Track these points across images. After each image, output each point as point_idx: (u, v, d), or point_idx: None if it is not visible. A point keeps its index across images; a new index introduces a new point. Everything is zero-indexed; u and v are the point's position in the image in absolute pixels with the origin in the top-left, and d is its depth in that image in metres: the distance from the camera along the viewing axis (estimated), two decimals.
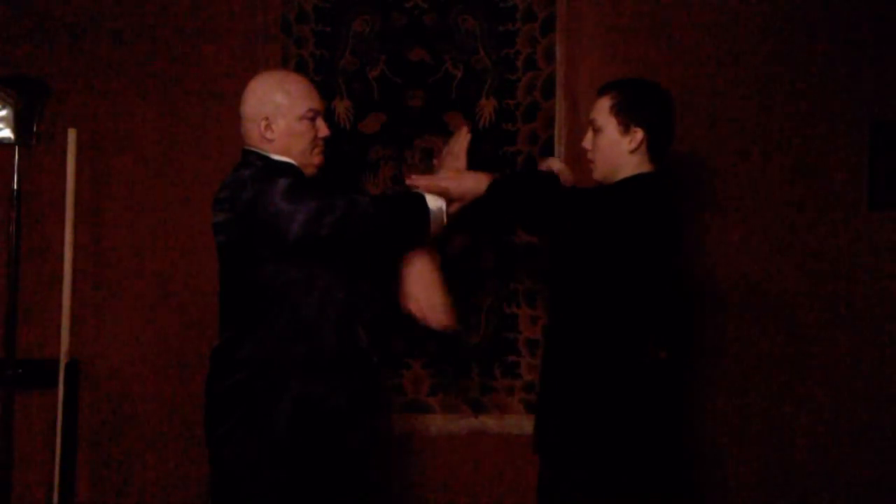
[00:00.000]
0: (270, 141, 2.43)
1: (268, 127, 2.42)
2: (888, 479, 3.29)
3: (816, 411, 3.30)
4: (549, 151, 3.28)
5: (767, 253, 3.30)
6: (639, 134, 2.48)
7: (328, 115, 3.22)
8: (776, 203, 3.30)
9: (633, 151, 2.49)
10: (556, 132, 3.28)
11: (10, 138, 3.09)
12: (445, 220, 2.46)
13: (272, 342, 2.36)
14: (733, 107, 3.29)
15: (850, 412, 3.29)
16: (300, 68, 3.24)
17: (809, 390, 3.30)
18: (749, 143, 3.30)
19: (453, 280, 2.62)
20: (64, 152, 3.15)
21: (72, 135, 3.15)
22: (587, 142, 2.58)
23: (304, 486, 2.36)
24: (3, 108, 3.07)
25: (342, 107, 3.29)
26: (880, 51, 3.29)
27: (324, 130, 2.49)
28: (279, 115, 2.43)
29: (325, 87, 3.25)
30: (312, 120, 2.46)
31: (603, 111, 2.52)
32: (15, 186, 3.14)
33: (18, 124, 3.08)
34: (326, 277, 2.38)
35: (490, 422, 3.29)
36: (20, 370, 3.16)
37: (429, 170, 2.86)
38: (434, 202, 2.44)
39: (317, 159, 2.50)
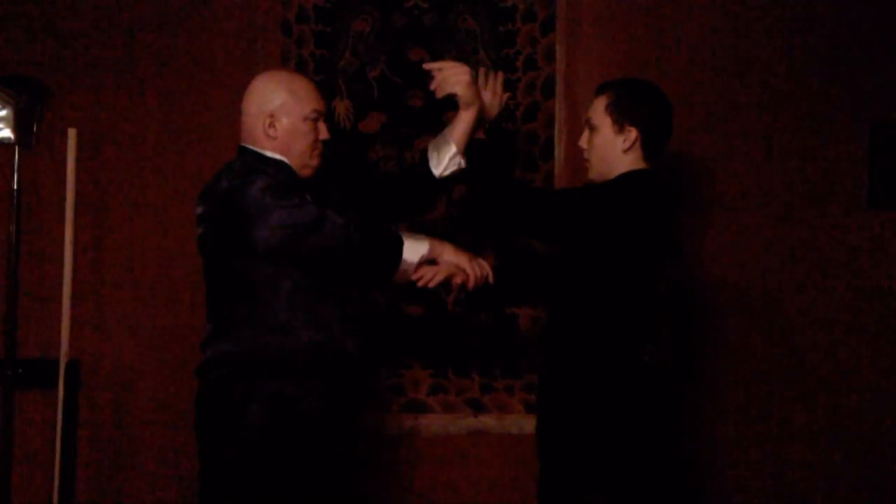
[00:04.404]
0: (272, 139, 2.43)
1: (271, 124, 2.42)
2: (889, 481, 3.29)
3: (816, 412, 3.30)
4: (549, 151, 3.28)
5: (767, 252, 3.30)
6: (633, 133, 2.49)
7: (328, 115, 3.23)
8: (776, 202, 3.30)
9: (626, 150, 2.50)
10: (556, 132, 3.28)
11: (10, 138, 3.09)
12: (412, 275, 2.39)
13: (248, 340, 2.36)
14: (733, 106, 3.29)
15: (851, 412, 3.29)
16: (300, 68, 3.24)
17: (809, 390, 3.30)
18: (749, 143, 3.30)
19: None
20: (64, 152, 3.15)
21: (72, 135, 3.15)
22: (583, 141, 2.60)
23: (280, 489, 2.34)
24: (3, 108, 3.07)
25: (342, 107, 3.29)
26: (880, 51, 3.29)
27: (324, 133, 2.49)
28: (283, 113, 2.42)
29: (325, 87, 3.25)
30: (315, 121, 2.46)
31: (598, 110, 2.53)
32: (15, 186, 3.14)
33: (18, 124, 3.08)
34: (294, 276, 2.36)
35: (490, 422, 3.29)
36: (20, 370, 3.16)
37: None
38: (412, 253, 2.37)
39: (315, 161, 2.49)
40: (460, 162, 2.60)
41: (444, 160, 2.60)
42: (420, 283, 2.40)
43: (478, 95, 2.59)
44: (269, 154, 2.43)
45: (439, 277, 2.40)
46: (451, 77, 2.54)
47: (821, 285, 3.30)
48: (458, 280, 2.43)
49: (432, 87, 2.58)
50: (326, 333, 2.39)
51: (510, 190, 2.60)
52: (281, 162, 2.43)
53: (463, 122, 2.59)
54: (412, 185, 2.67)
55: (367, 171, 3.26)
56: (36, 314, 3.25)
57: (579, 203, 2.49)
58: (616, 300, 2.43)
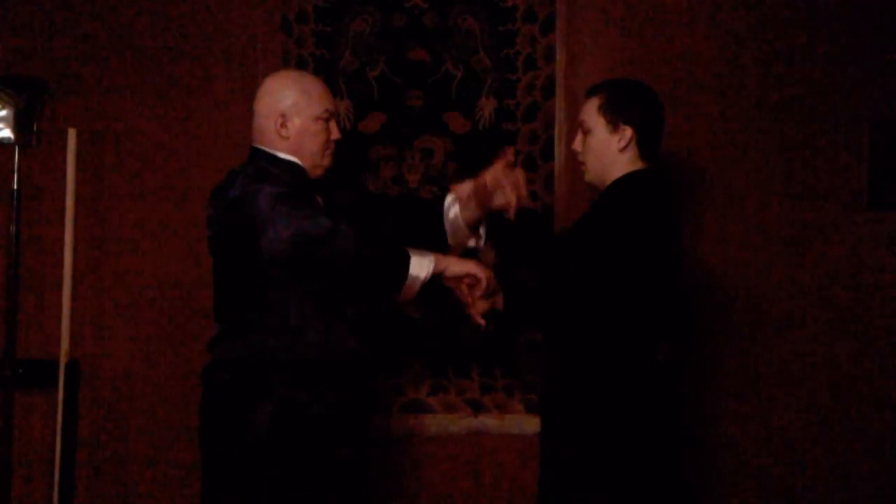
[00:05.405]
0: (284, 139, 2.42)
1: (283, 124, 2.42)
2: (889, 481, 3.29)
3: (816, 412, 3.30)
4: (549, 151, 3.28)
5: (766, 253, 3.30)
6: (628, 132, 2.48)
7: None
8: (776, 203, 3.30)
9: (622, 150, 2.49)
10: (556, 132, 3.28)
11: (10, 138, 3.09)
12: (418, 288, 2.35)
13: (256, 343, 2.35)
14: (733, 106, 3.29)
15: (851, 412, 3.29)
16: (300, 68, 3.24)
17: (809, 391, 3.30)
18: (749, 143, 3.30)
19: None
20: (64, 152, 3.14)
21: (72, 135, 3.15)
22: (577, 144, 2.58)
23: (284, 494, 2.33)
24: (3, 108, 3.07)
25: (342, 107, 3.28)
26: (880, 51, 3.29)
27: (336, 133, 2.49)
28: (295, 113, 2.42)
29: None
30: (327, 121, 2.46)
31: (591, 112, 2.52)
32: (15, 186, 3.14)
33: (18, 124, 3.08)
34: (304, 281, 2.35)
35: (490, 422, 3.29)
36: (20, 370, 3.16)
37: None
38: (419, 268, 2.34)
39: (326, 161, 2.48)
40: (475, 242, 2.61)
41: (458, 240, 2.60)
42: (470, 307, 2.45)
43: (491, 202, 2.52)
44: (281, 155, 2.43)
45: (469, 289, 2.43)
46: (507, 190, 2.47)
47: (820, 285, 3.29)
48: (467, 284, 2.43)
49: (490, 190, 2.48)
50: (336, 338, 2.39)
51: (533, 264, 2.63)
52: (293, 163, 2.43)
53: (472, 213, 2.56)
54: (423, 234, 2.61)
55: (382, 207, 3.21)
56: (36, 314, 3.25)
57: (600, 247, 2.43)
58: (634, 303, 2.41)
